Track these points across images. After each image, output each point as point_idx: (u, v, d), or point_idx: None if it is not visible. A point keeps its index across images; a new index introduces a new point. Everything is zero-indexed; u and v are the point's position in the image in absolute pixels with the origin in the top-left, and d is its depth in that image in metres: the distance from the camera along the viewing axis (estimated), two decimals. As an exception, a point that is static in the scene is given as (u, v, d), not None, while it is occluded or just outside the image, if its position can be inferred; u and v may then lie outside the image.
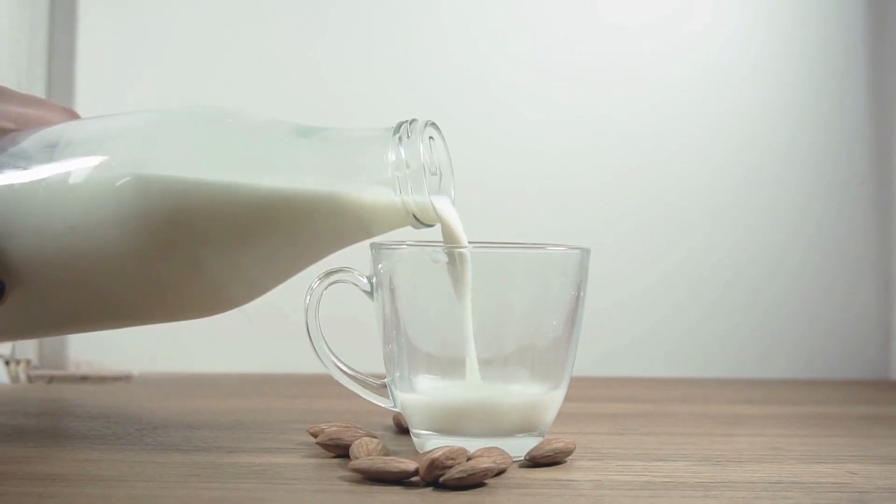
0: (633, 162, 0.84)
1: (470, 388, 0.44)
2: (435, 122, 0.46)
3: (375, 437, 0.45)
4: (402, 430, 0.52)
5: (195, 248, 0.44)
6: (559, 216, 0.83)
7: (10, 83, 0.50)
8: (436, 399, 0.44)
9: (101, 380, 0.75)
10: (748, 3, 0.86)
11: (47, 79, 0.79)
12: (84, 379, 0.75)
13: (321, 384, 0.63)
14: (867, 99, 0.86)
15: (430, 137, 0.45)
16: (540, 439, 0.46)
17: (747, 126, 0.86)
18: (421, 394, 0.45)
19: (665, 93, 0.85)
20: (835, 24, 0.86)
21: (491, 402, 0.44)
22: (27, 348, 0.76)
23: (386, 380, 0.47)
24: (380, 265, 0.46)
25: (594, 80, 0.85)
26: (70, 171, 0.44)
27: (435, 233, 0.46)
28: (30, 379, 0.74)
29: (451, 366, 0.44)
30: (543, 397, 0.45)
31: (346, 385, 0.48)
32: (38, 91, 0.78)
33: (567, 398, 0.47)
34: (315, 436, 0.46)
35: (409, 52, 0.83)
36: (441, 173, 0.46)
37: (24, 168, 0.45)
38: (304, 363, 0.57)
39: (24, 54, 0.77)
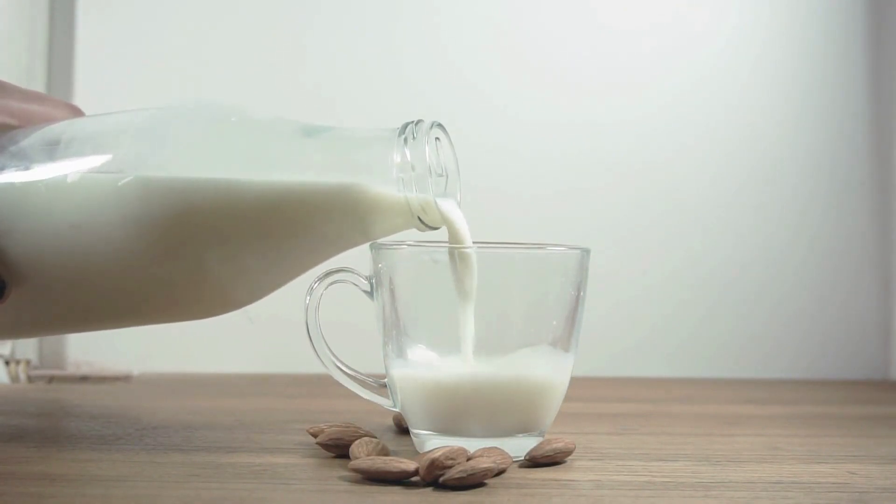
0: (634, 163, 0.84)
1: (469, 375, 0.44)
2: (441, 122, 0.46)
3: (375, 437, 0.45)
4: (402, 430, 0.52)
5: (199, 248, 0.44)
6: (560, 218, 0.83)
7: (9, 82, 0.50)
8: (433, 393, 0.44)
9: (101, 380, 0.75)
10: (747, 6, 0.86)
11: (47, 78, 0.79)
12: (84, 379, 0.75)
13: (321, 384, 0.63)
14: (867, 100, 0.86)
15: (437, 138, 0.45)
16: (540, 439, 0.46)
17: (747, 128, 0.86)
18: (418, 372, 0.45)
19: (665, 95, 0.85)
20: (834, 26, 0.86)
21: (489, 387, 0.44)
22: (27, 348, 0.76)
23: (385, 380, 0.47)
24: (380, 265, 0.46)
25: (594, 82, 0.84)
26: (72, 170, 0.44)
27: (437, 234, 0.46)
28: (30, 379, 0.74)
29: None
30: (543, 393, 0.45)
31: (346, 385, 0.48)
32: (38, 90, 0.78)
33: (567, 398, 0.47)
34: (315, 436, 0.46)
35: (407, 58, 0.83)
36: (447, 175, 0.46)
37: (26, 167, 0.45)
38: (304, 363, 0.57)
39: (24, 54, 0.77)
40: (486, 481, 0.40)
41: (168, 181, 0.43)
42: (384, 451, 0.43)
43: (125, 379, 0.75)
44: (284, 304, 0.55)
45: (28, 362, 0.75)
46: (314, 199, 0.44)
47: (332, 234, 0.45)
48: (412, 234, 0.46)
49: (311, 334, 0.47)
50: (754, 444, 0.52)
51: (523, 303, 0.45)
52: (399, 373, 0.45)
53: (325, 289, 0.47)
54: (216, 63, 0.82)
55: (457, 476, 0.39)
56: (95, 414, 0.57)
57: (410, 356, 0.45)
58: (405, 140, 0.44)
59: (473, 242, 0.44)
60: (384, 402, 0.48)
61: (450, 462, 0.40)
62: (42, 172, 0.45)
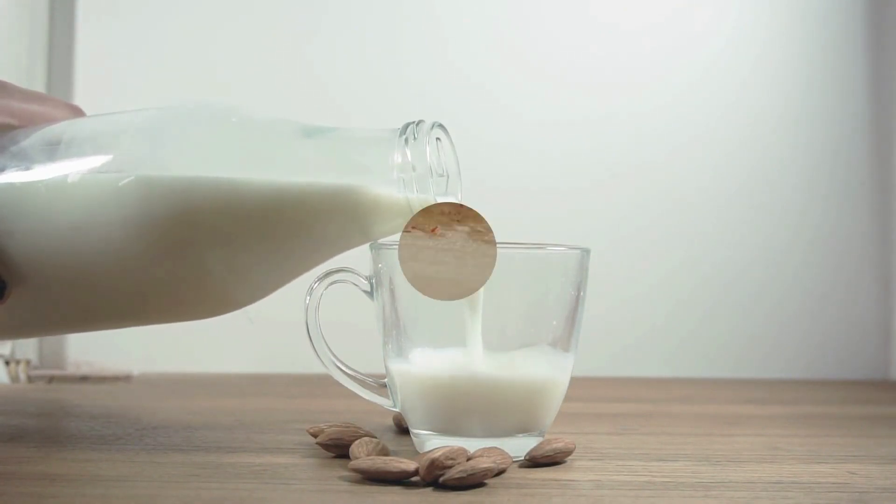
0: (634, 163, 0.85)
1: (469, 374, 0.44)
2: (442, 123, 0.46)
3: (375, 437, 0.45)
4: (402, 430, 0.52)
5: (199, 248, 0.43)
6: (560, 217, 0.83)
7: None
8: (433, 393, 0.44)
9: (101, 380, 0.75)
10: (747, 6, 0.86)
11: (47, 78, 0.79)
12: (84, 379, 0.75)
13: (321, 384, 0.63)
14: (867, 100, 0.86)
15: (438, 139, 0.45)
16: (540, 439, 0.46)
17: (747, 127, 0.86)
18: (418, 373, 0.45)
19: (665, 94, 0.85)
20: (834, 26, 0.86)
21: (489, 387, 0.44)
22: (27, 348, 0.76)
23: (385, 380, 0.47)
24: (380, 265, 0.46)
25: (594, 81, 0.85)
26: (72, 170, 0.44)
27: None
28: (30, 379, 0.74)
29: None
30: (543, 393, 0.45)
31: (346, 385, 0.48)
32: (38, 90, 0.78)
33: (567, 398, 0.47)
34: (315, 436, 0.46)
35: (409, 56, 0.83)
36: (448, 175, 0.46)
37: (26, 167, 0.45)
38: (304, 363, 0.57)
39: (24, 54, 0.77)
40: (486, 481, 0.40)
41: (168, 181, 0.43)
42: (384, 451, 0.43)
43: (125, 379, 0.75)
44: (284, 304, 0.55)
45: (28, 362, 0.75)
46: (315, 199, 0.44)
47: (333, 235, 0.45)
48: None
49: (311, 334, 0.47)
50: (754, 444, 0.52)
51: (523, 303, 0.45)
52: (399, 373, 0.45)
53: (325, 289, 0.47)
54: (217, 63, 0.82)
55: (457, 476, 0.39)
56: (95, 414, 0.57)
57: (410, 356, 0.45)
58: (406, 140, 0.44)
59: None
60: (384, 402, 0.48)
61: (450, 462, 0.40)
62: (42, 173, 0.45)
